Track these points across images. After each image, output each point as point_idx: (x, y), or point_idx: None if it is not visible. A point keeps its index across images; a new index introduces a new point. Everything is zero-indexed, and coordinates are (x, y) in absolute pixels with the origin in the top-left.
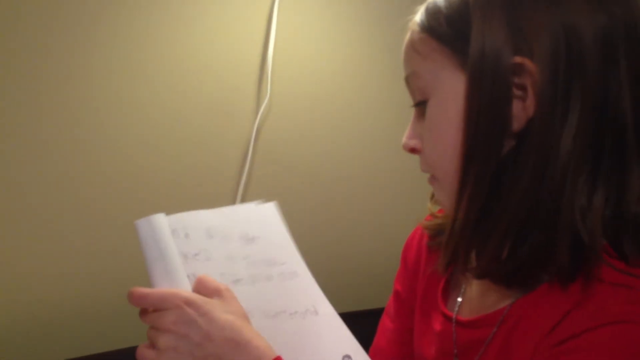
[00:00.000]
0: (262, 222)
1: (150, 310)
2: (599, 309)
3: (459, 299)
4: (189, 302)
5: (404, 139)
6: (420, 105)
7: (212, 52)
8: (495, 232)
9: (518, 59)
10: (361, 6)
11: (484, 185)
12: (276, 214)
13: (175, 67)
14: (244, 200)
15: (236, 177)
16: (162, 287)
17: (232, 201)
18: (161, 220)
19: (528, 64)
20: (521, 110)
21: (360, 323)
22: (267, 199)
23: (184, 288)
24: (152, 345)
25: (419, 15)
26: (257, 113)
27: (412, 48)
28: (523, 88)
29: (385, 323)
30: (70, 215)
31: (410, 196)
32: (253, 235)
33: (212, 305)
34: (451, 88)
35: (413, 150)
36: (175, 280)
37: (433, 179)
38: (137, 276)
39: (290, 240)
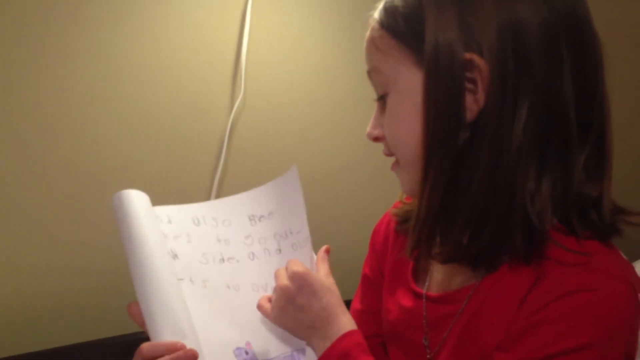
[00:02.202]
0: (282, 194)
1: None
2: (558, 282)
3: (428, 279)
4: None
5: (367, 129)
6: (382, 99)
7: (186, 48)
8: (458, 218)
9: (468, 55)
10: (336, 3)
11: (445, 173)
12: (296, 180)
13: (150, 63)
14: (218, 196)
15: (210, 173)
16: (127, 250)
17: (207, 197)
18: (131, 194)
19: (477, 59)
20: (473, 103)
21: None
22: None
23: (147, 252)
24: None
25: (377, 12)
26: (231, 109)
27: (373, 44)
28: (474, 82)
29: (354, 305)
30: (48, 208)
31: (386, 190)
32: (266, 212)
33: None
34: (409, 83)
35: (377, 139)
36: (139, 244)
37: (395, 165)
38: (117, 267)
39: (304, 206)
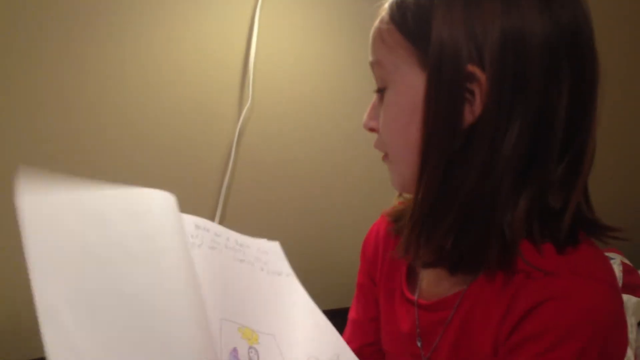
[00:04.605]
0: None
1: None
2: (535, 290)
3: (418, 286)
4: None
5: (364, 119)
6: (381, 92)
7: (193, 55)
8: (444, 223)
9: (470, 68)
10: (344, 10)
11: (438, 176)
12: (276, 252)
13: (157, 70)
14: (225, 204)
15: (218, 180)
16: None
17: (214, 205)
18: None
19: (478, 73)
20: (468, 113)
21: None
22: (248, 202)
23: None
24: None
25: (388, 5)
26: (239, 117)
27: (380, 37)
28: (472, 93)
29: (351, 314)
30: None
31: (393, 196)
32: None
33: None
34: (409, 82)
35: (372, 130)
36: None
37: (386, 158)
38: None
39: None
